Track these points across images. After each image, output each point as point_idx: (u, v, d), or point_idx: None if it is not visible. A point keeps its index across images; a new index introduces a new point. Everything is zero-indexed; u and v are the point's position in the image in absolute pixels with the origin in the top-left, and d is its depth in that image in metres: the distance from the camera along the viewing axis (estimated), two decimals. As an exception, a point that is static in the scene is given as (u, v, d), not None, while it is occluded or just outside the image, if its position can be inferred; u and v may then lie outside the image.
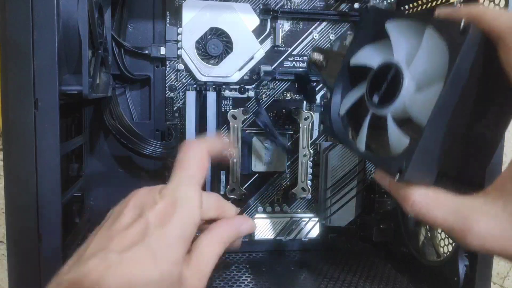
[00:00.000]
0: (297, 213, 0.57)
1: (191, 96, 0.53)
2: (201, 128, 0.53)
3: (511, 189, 0.26)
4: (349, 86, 0.38)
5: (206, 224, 0.33)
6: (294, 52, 0.56)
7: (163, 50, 0.53)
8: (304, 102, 0.57)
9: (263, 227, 0.54)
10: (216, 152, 0.34)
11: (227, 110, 0.55)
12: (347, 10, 0.56)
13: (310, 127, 0.55)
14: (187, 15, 0.52)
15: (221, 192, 0.55)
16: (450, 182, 0.31)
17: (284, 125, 0.57)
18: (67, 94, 0.37)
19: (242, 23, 0.53)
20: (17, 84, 0.33)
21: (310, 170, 0.56)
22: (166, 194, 0.30)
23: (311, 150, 0.56)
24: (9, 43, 0.33)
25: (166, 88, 0.54)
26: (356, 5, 0.56)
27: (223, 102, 0.55)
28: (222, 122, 0.54)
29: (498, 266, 0.82)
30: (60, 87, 0.34)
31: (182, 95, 0.54)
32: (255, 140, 0.55)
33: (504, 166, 0.28)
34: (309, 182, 0.56)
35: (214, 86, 0.54)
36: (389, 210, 0.57)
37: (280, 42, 0.55)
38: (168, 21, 0.53)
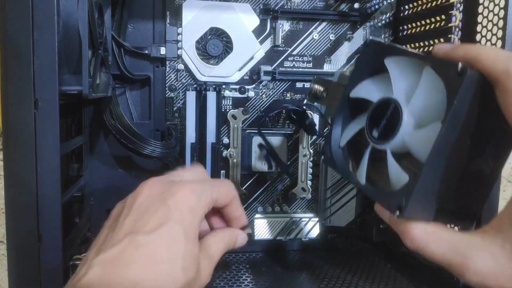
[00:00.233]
0: (297, 213, 0.57)
1: (191, 96, 0.53)
2: (201, 128, 0.53)
3: (508, 228, 0.27)
4: (350, 118, 0.39)
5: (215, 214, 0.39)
6: (294, 52, 0.56)
7: (163, 50, 0.53)
8: (304, 102, 0.57)
9: (263, 227, 0.54)
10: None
11: (227, 110, 0.55)
12: (347, 10, 0.56)
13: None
14: (187, 15, 0.52)
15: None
16: (449, 216, 0.31)
17: (284, 125, 0.57)
18: (67, 94, 0.37)
19: (242, 23, 0.53)
20: (17, 84, 0.33)
21: (310, 170, 0.56)
22: (182, 182, 0.35)
23: (311, 150, 0.56)
24: (9, 43, 0.33)
25: (166, 88, 0.54)
26: (356, 5, 0.56)
27: (223, 102, 0.55)
28: (222, 122, 0.54)
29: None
30: (60, 87, 0.34)
31: (182, 95, 0.54)
32: (255, 140, 0.55)
33: (502, 201, 0.29)
34: (309, 182, 0.57)
35: (214, 86, 0.54)
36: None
37: (280, 42, 0.55)
38: (168, 21, 0.53)
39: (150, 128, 0.53)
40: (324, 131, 0.56)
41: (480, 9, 0.42)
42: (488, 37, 0.41)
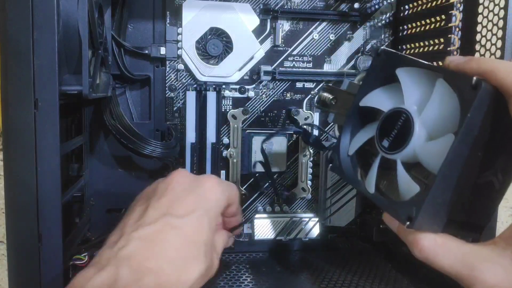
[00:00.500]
0: (297, 213, 0.57)
1: (191, 96, 0.53)
2: (201, 128, 0.53)
3: None
4: (359, 126, 0.39)
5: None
6: (294, 52, 0.56)
7: (163, 50, 0.52)
8: (304, 102, 0.57)
9: (263, 227, 0.54)
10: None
11: (227, 110, 0.55)
12: (347, 10, 0.56)
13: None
14: (187, 15, 0.52)
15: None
16: (457, 226, 0.31)
17: (284, 125, 0.57)
18: (67, 94, 0.37)
19: (242, 23, 0.53)
20: (17, 84, 0.33)
21: (310, 170, 0.56)
22: (209, 175, 0.41)
23: (311, 150, 0.56)
24: (9, 43, 0.33)
25: (166, 88, 0.54)
26: (356, 5, 0.56)
27: (223, 102, 0.55)
28: (222, 122, 0.54)
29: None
30: (60, 87, 0.34)
31: (182, 95, 0.54)
32: (255, 140, 0.55)
33: (507, 212, 0.29)
34: (309, 182, 0.57)
35: (214, 86, 0.54)
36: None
37: (280, 42, 0.55)
38: (168, 21, 0.53)
39: (150, 128, 0.53)
40: (322, 137, 0.56)
41: (480, 9, 0.42)
42: (488, 37, 0.41)
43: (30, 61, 0.33)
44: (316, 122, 0.57)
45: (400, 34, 0.56)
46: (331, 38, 0.57)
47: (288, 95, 0.57)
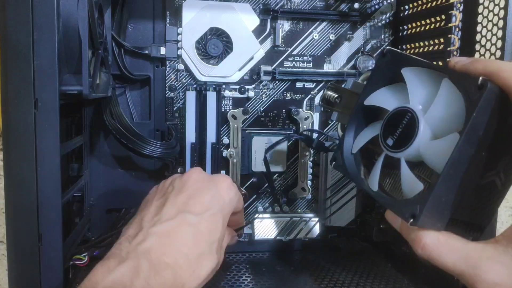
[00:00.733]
0: (297, 213, 0.57)
1: (191, 96, 0.53)
2: (201, 128, 0.53)
3: None
4: (363, 125, 0.39)
5: None
6: (294, 52, 0.56)
7: (163, 50, 0.52)
8: (304, 102, 0.57)
9: (263, 227, 0.54)
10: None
11: (227, 110, 0.55)
12: (347, 10, 0.56)
13: (310, 127, 0.55)
14: (187, 15, 0.52)
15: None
16: (459, 226, 0.32)
17: (284, 125, 0.57)
18: (67, 94, 0.37)
19: (242, 23, 0.53)
20: (17, 84, 0.33)
21: (310, 170, 0.56)
22: (223, 175, 0.44)
23: (311, 150, 0.56)
24: (9, 43, 0.33)
25: (166, 88, 0.54)
26: (356, 5, 0.56)
27: (223, 102, 0.55)
28: (222, 122, 0.54)
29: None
30: (60, 87, 0.34)
31: (182, 95, 0.54)
32: (255, 140, 0.55)
33: (508, 212, 0.29)
34: (309, 182, 0.57)
35: (214, 86, 0.54)
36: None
37: (280, 42, 0.55)
38: (168, 21, 0.53)
39: (150, 128, 0.53)
40: (321, 138, 0.56)
41: (480, 9, 0.42)
42: (488, 37, 0.41)
43: (30, 61, 0.33)
44: (316, 122, 0.57)
45: (400, 34, 0.56)
46: (331, 38, 0.57)
47: (288, 95, 0.57)
